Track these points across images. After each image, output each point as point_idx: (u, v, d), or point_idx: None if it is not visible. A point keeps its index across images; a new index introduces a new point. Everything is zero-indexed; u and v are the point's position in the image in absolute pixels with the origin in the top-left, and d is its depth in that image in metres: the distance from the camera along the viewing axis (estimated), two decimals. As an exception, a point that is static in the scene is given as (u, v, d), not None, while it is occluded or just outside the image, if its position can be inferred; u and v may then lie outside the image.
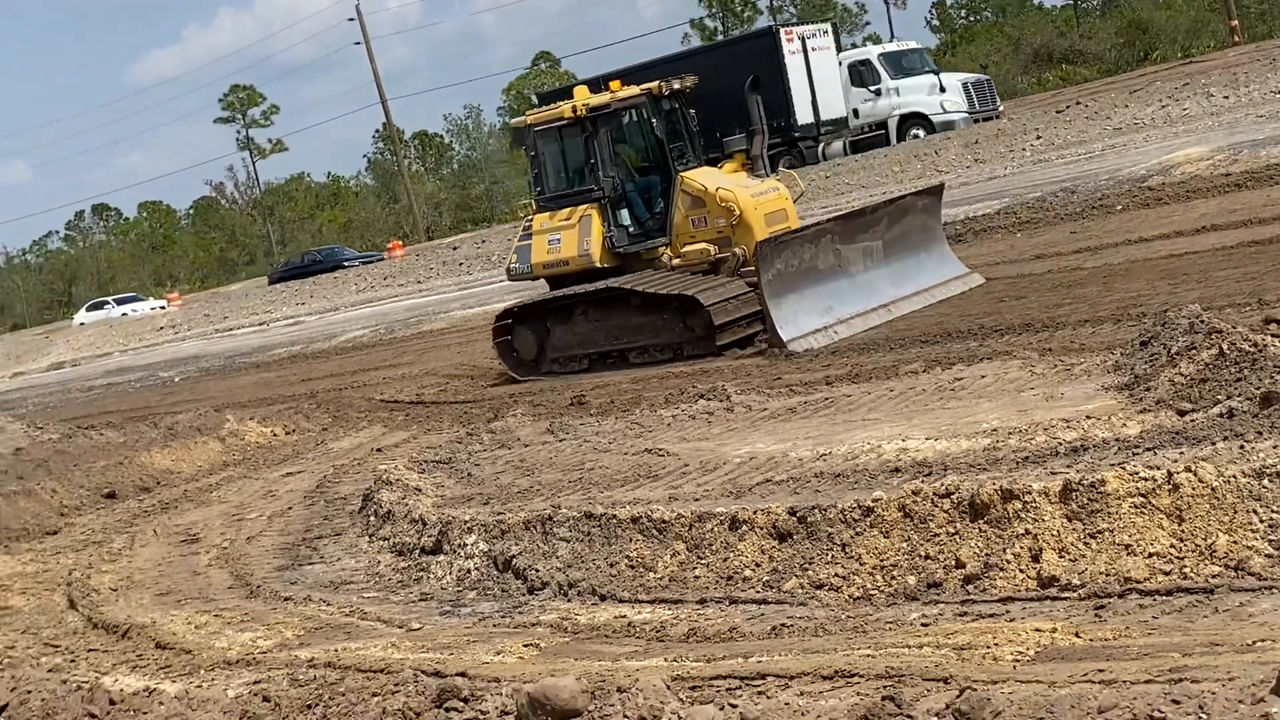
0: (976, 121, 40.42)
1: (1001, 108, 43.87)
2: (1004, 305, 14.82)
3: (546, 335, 17.22)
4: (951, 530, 6.54)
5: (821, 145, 40.85)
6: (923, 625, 5.99)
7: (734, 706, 4.82)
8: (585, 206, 16.86)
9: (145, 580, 10.41)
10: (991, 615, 5.96)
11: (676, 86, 16.89)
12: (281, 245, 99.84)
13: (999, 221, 22.58)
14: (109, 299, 73.10)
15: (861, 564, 6.72)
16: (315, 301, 48.49)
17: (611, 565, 7.76)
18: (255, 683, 6.24)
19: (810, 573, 6.86)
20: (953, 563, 6.44)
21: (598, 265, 16.79)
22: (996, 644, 5.44)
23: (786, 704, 4.76)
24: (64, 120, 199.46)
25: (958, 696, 4.49)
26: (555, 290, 17.20)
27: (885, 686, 4.78)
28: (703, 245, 16.36)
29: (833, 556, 6.84)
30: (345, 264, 61.59)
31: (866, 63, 42.02)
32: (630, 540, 7.77)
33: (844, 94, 41.17)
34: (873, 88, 41.62)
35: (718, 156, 17.22)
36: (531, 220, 17.66)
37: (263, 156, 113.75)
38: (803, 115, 39.52)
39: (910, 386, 10.64)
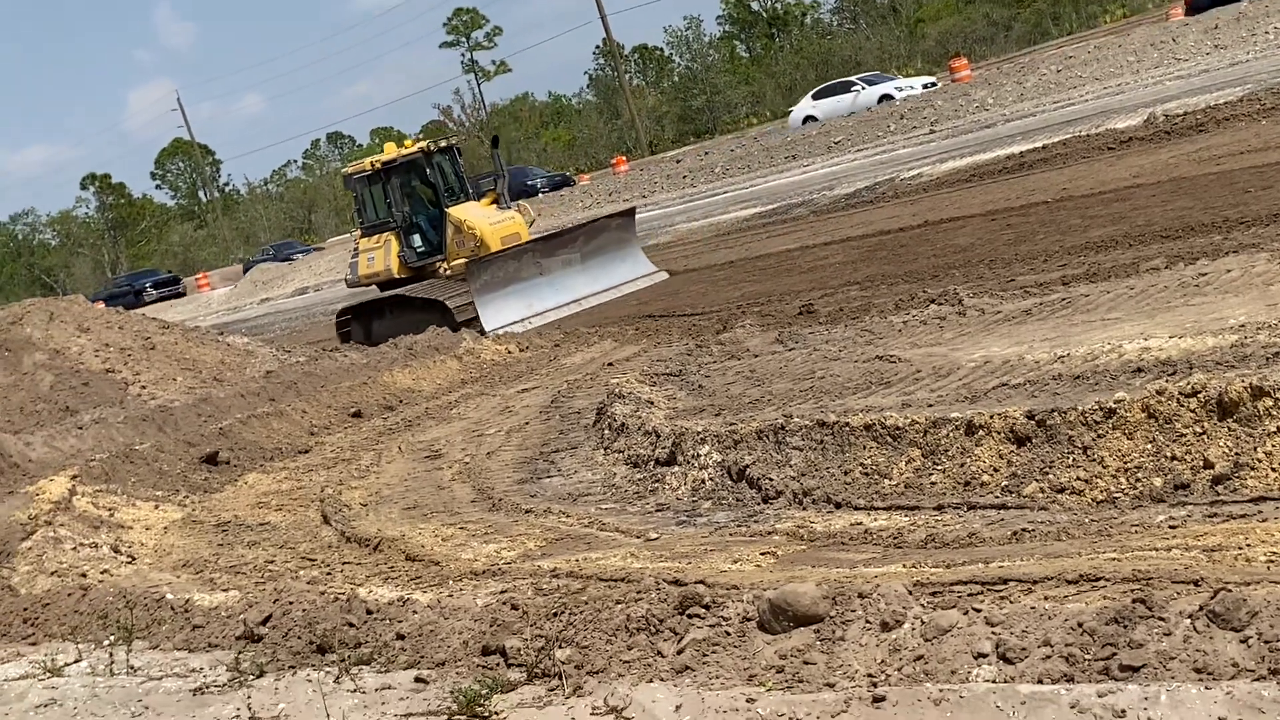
0: None
1: None
2: (1250, 196, 14.20)
3: (370, 327, 22.53)
4: (1199, 430, 6.33)
5: None
6: (1170, 527, 5.83)
7: (978, 611, 4.78)
8: (387, 233, 22.91)
9: (393, 495, 10.78)
10: (1243, 516, 5.76)
11: (443, 145, 23.57)
12: (508, 164, 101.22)
13: (1242, 109, 21.61)
14: (854, 80, 53.58)
15: (1104, 467, 6.56)
16: (543, 221, 49.17)
17: (846, 473, 7.73)
18: (502, 592, 6.41)
19: (1050, 477, 6.73)
20: (1200, 463, 6.25)
21: (397, 276, 22.84)
22: (1249, 545, 5.27)
23: (1032, 608, 4.69)
24: (295, 52, 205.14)
25: (1211, 598, 4.37)
26: (383, 292, 22.98)
27: (1132, 590, 4.67)
28: (463, 260, 21.85)
29: (1074, 460, 6.69)
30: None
31: None
32: (864, 448, 7.72)
33: None
34: None
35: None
36: (359, 243, 23.72)
37: (487, 79, 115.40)
38: None
39: (1151, 283, 10.28)
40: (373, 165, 23.00)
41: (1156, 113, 24.06)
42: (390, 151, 23.19)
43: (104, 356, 17.52)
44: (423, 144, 23.39)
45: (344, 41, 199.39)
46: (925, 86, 49.03)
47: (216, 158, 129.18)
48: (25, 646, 7.88)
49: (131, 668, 6.93)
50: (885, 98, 49.06)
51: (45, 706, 6.73)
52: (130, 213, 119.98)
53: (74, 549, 10.03)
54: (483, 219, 22.43)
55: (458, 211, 22.62)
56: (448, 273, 22.44)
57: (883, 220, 22.26)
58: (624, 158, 64.58)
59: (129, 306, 62.27)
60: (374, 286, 23.51)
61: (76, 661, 7.28)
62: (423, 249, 22.91)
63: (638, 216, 24.71)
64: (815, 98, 53.63)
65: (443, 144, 23.64)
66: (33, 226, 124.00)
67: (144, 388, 16.84)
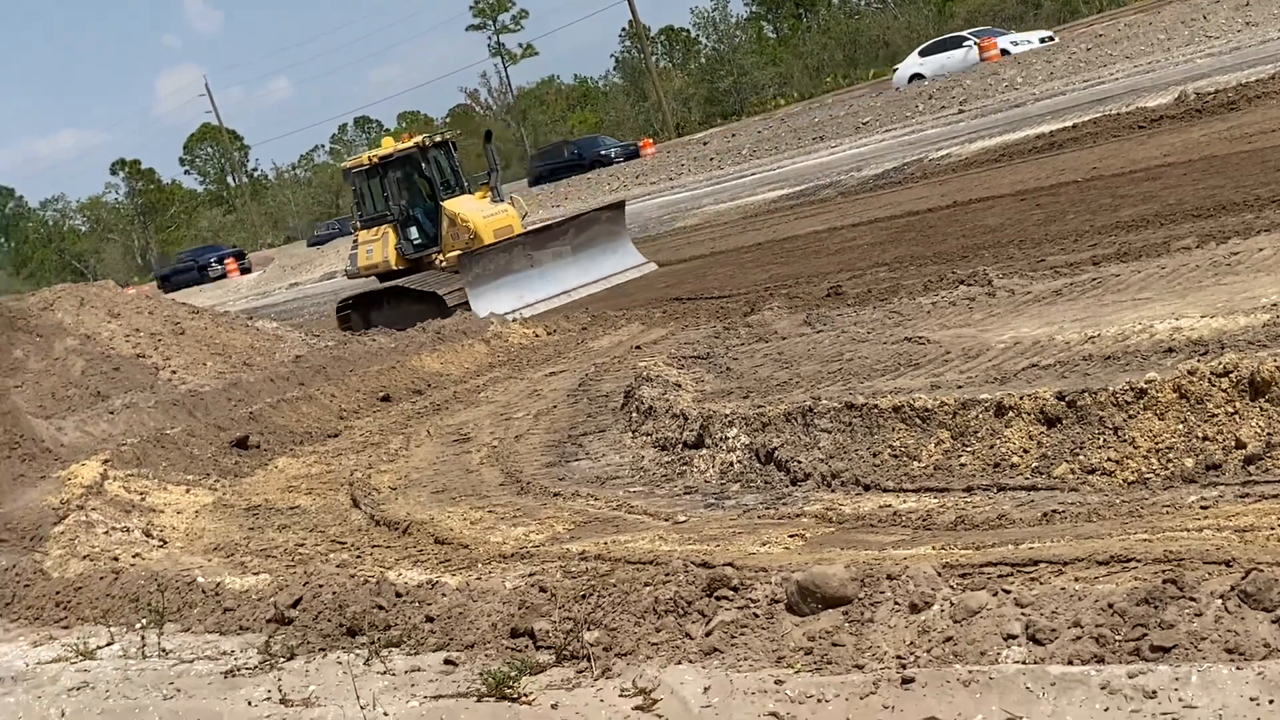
0: None
1: None
2: (1282, 174, 14.08)
3: (369, 316, 23.31)
4: (1230, 410, 6.29)
5: None
6: (1202, 508, 5.80)
7: (1007, 593, 4.76)
8: (385, 226, 23.61)
9: (422, 479, 10.80)
10: (1275, 496, 5.72)
11: (438, 140, 24.30)
12: (535, 148, 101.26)
13: (1274, 87, 21.45)
14: (966, 35, 50.00)
15: (1135, 447, 6.52)
16: (570, 203, 49.17)
17: (874, 455, 7.70)
18: (531, 575, 6.43)
19: (1081, 458, 6.70)
20: (1232, 443, 6.20)
21: (395, 268, 23.65)
22: (1282, 526, 5.23)
23: (1061, 589, 4.67)
24: (322, 36, 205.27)
25: (1243, 578, 4.34)
26: (382, 283, 23.91)
27: (1164, 571, 4.64)
28: (458, 252, 22.46)
29: (1104, 441, 6.65)
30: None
31: None
32: (893, 430, 7.70)
33: None
34: None
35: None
36: (358, 235, 24.41)
37: (514, 62, 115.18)
38: None
39: (1183, 263, 10.22)
40: (370, 160, 23.80)
41: (1187, 91, 23.88)
42: (387, 146, 24.01)
43: (134, 341, 17.60)
44: (418, 139, 24.23)
45: (371, 25, 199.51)
46: (1042, 40, 45.75)
47: (245, 143, 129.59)
48: (58, 630, 7.93)
49: (163, 650, 6.97)
50: (1001, 52, 45.40)
51: (78, 689, 6.78)
52: (159, 198, 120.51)
53: (106, 533, 10.09)
54: (476, 212, 23.07)
55: (452, 205, 23.28)
56: (443, 264, 23.08)
57: (911, 201, 22.17)
58: (651, 140, 64.50)
59: (195, 282, 63.17)
60: (373, 278, 24.32)
61: (108, 644, 7.33)
62: (419, 241, 23.62)
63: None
64: (923, 54, 49.36)
65: (438, 139, 24.41)
66: (63, 212, 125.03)
67: (174, 372, 16.91)
